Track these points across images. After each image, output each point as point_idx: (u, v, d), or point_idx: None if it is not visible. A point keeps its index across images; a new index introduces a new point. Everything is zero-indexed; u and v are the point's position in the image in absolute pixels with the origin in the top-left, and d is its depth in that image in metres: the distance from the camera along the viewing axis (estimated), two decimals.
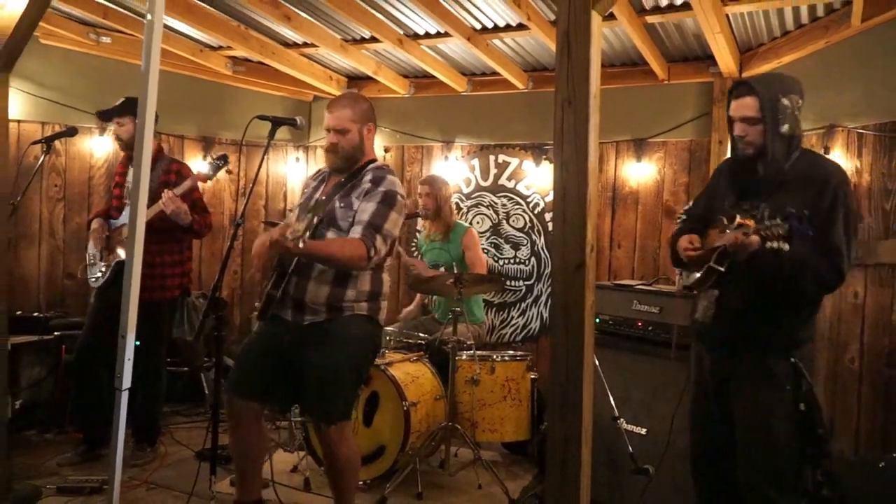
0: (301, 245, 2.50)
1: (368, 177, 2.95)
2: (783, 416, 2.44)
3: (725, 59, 4.57)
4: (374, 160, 3.07)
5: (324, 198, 2.99)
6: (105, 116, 4.10)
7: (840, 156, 4.20)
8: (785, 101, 2.44)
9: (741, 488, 2.53)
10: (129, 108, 3.97)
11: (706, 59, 4.89)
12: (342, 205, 2.91)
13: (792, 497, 2.45)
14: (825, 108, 4.32)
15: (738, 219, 2.32)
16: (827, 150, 4.23)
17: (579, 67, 2.05)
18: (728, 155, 2.77)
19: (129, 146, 4.05)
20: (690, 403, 2.79)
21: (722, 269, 2.43)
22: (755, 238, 2.26)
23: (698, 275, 2.56)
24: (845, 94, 4.23)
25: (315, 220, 2.68)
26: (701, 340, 2.73)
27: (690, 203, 3.02)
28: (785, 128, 2.43)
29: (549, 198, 5.48)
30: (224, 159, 3.92)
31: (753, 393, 2.50)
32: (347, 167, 3.00)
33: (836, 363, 4.14)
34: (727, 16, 4.12)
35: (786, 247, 2.22)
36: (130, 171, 4.10)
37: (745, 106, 2.48)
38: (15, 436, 3.66)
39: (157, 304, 3.96)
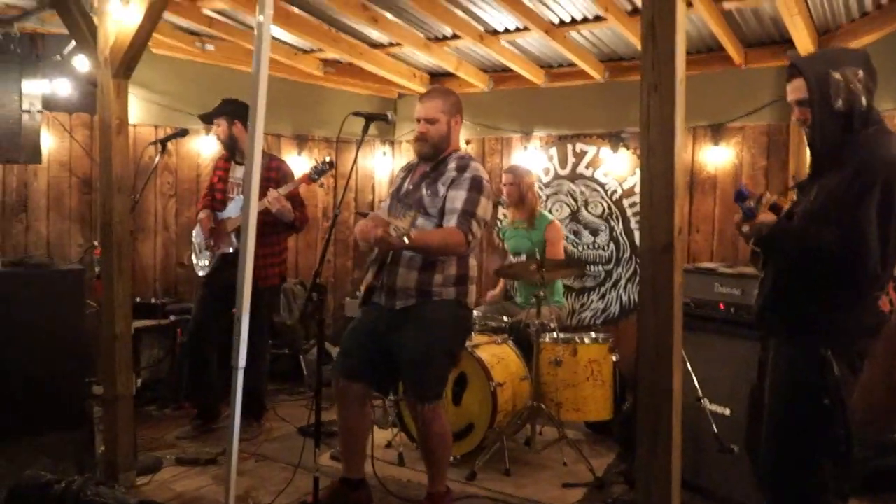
0: (406, 241, 2.53)
1: (453, 164, 2.98)
2: (798, 405, 2.20)
3: (804, 42, 4.33)
4: (458, 150, 3.09)
5: (411, 187, 3.05)
6: (205, 119, 4.25)
7: None
8: (836, 76, 2.11)
9: (760, 471, 2.38)
10: (223, 109, 4.09)
11: (783, 42, 4.64)
12: (429, 192, 2.95)
13: (815, 492, 2.22)
14: None
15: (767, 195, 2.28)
16: None
17: (665, 53, 1.98)
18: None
19: (226, 145, 4.17)
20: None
21: (757, 249, 2.32)
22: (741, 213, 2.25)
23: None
24: None
25: (417, 217, 2.70)
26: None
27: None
28: (839, 104, 2.11)
29: (627, 184, 5.35)
30: (331, 164, 3.94)
31: (774, 379, 2.32)
32: (434, 156, 3.04)
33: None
34: None
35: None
36: (233, 167, 4.22)
37: (796, 89, 2.21)
38: (138, 411, 3.84)
39: (259, 292, 4.04)
